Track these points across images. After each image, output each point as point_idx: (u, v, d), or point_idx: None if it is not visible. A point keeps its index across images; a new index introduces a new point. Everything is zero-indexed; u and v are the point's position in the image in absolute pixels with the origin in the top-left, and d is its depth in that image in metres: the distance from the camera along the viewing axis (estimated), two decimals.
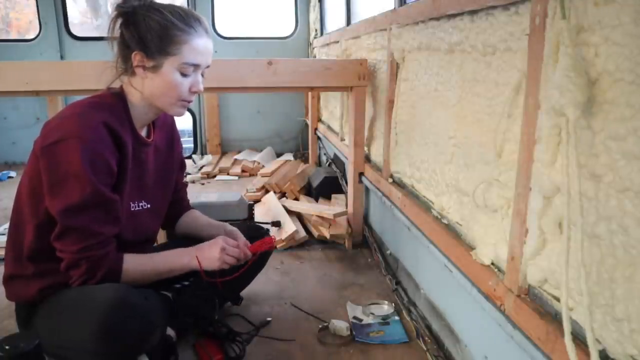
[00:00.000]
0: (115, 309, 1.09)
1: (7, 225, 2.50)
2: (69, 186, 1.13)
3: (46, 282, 1.21)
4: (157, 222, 1.46)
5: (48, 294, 1.22)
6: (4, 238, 2.27)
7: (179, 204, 1.58)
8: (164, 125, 1.46)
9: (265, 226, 2.21)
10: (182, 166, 1.58)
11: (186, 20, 1.21)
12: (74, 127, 1.13)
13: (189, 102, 1.28)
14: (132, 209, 1.32)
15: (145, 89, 1.24)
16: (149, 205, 1.36)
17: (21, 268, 1.24)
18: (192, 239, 1.47)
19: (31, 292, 1.23)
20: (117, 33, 1.23)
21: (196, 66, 1.23)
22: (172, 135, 1.50)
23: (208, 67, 1.28)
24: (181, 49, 1.19)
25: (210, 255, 1.33)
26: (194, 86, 1.25)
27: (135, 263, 1.25)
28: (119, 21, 1.22)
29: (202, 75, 1.28)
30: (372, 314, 1.70)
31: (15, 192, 1.26)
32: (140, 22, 1.19)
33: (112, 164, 1.18)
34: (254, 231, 1.63)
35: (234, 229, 1.52)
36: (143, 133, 1.35)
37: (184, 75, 1.22)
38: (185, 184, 1.64)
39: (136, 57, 1.21)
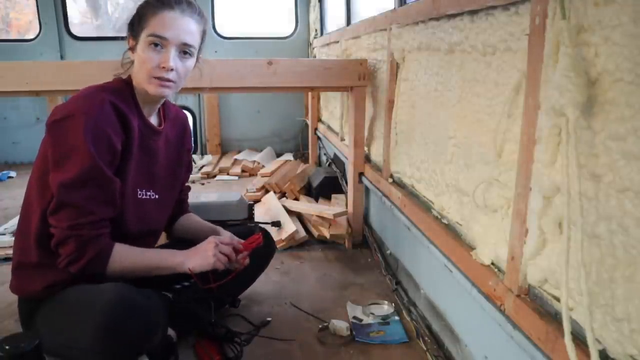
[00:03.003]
0: (117, 308, 1.09)
1: (7, 225, 2.51)
2: (71, 161, 1.14)
3: (50, 278, 1.21)
4: (163, 215, 1.46)
5: (52, 292, 1.22)
6: (5, 238, 2.29)
7: (179, 205, 1.58)
8: (176, 118, 1.48)
9: (265, 226, 2.21)
10: (189, 167, 1.58)
11: None
12: (80, 104, 1.17)
13: (163, 80, 1.23)
14: (140, 197, 1.32)
15: (133, 70, 1.27)
16: (157, 196, 1.37)
17: (26, 255, 1.25)
18: (189, 242, 1.47)
19: (35, 288, 1.23)
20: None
21: (163, 39, 1.21)
22: (184, 130, 1.51)
23: (187, 46, 1.24)
24: (150, 21, 1.21)
25: (204, 254, 1.32)
26: (163, 62, 1.21)
27: (125, 253, 1.25)
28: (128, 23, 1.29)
29: (186, 52, 1.25)
30: (372, 314, 1.70)
31: (27, 185, 1.27)
32: (135, 12, 1.26)
33: (115, 143, 1.19)
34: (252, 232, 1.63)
35: (228, 233, 1.52)
36: (153, 121, 1.36)
37: (154, 50, 1.21)
38: (189, 187, 1.64)
39: (129, 42, 1.27)
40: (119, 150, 1.21)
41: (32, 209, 1.23)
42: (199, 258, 1.32)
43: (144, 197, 1.33)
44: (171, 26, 1.21)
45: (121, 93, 1.26)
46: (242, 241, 1.46)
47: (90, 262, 1.18)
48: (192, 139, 1.59)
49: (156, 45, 1.21)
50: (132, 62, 1.28)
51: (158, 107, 1.38)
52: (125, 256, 1.25)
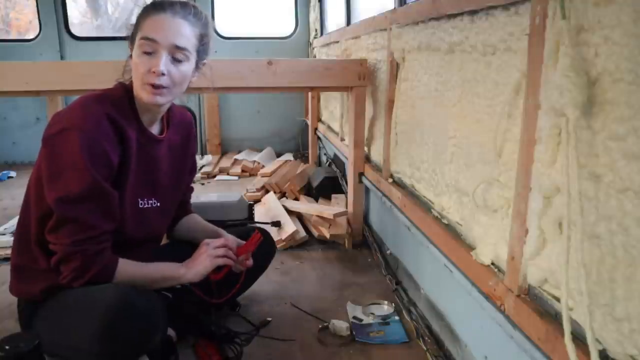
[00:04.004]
0: (117, 309, 1.09)
1: (7, 225, 2.51)
2: (67, 177, 1.13)
3: (51, 280, 1.21)
4: (165, 222, 1.46)
5: (51, 294, 1.22)
6: (4, 238, 2.29)
7: (182, 206, 1.58)
8: (180, 123, 1.45)
9: (265, 226, 2.21)
10: (193, 170, 1.57)
11: (157, 3, 1.22)
12: (75, 118, 1.15)
13: (157, 87, 1.20)
14: (141, 206, 1.31)
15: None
16: (158, 204, 1.36)
17: (30, 259, 1.24)
18: (188, 244, 1.47)
19: (34, 290, 1.23)
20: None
21: (153, 42, 1.18)
22: (189, 134, 1.49)
23: (179, 49, 1.20)
24: (142, 25, 1.20)
25: (199, 260, 1.32)
26: (153, 66, 1.18)
27: (129, 268, 1.24)
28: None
29: (178, 60, 1.21)
30: (372, 314, 1.70)
31: (25, 188, 1.27)
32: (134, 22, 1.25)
33: (112, 157, 1.18)
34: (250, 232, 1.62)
35: (230, 236, 1.52)
36: (156, 129, 1.35)
37: (145, 54, 1.19)
38: (191, 189, 1.63)
39: (130, 49, 1.25)
40: (115, 163, 1.19)
41: (31, 213, 1.22)
42: (197, 265, 1.32)
43: (146, 206, 1.32)
44: (161, 28, 1.18)
45: (119, 102, 1.23)
46: (243, 242, 1.46)
47: (95, 278, 1.17)
48: (197, 142, 1.58)
49: (148, 49, 1.18)
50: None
51: (161, 115, 1.35)
52: (127, 272, 1.23)
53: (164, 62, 1.18)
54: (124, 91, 1.27)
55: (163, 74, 1.19)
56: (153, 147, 1.32)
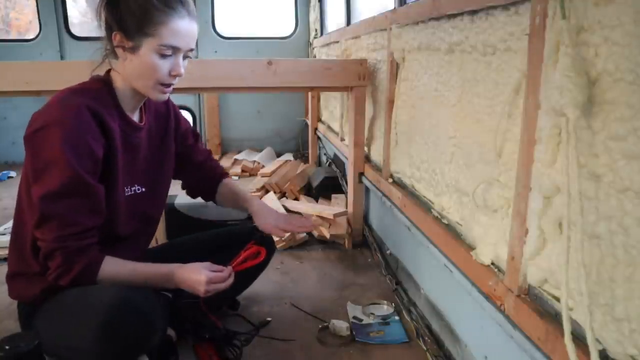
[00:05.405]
0: (117, 309, 1.09)
1: (7, 225, 2.51)
2: (50, 172, 1.11)
3: (48, 282, 1.20)
4: (155, 205, 1.44)
5: (50, 294, 1.21)
6: (5, 238, 2.29)
7: (210, 173, 1.58)
8: (159, 107, 1.43)
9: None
10: (196, 136, 1.57)
11: (166, 0, 1.17)
12: (54, 113, 1.13)
13: (169, 86, 1.22)
14: (126, 194, 1.30)
15: (125, 70, 1.21)
16: (144, 189, 1.34)
17: (24, 265, 1.23)
18: (188, 245, 1.46)
19: (34, 292, 1.23)
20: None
21: (175, 49, 1.18)
22: (168, 113, 1.46)
23: (192, 50, 1.23)
24: (159, 30, 1.15)
25: (195, 286, 1.26)
26: (174, 69, 1.19)
27: (116, 268, 1.21)
28: (103, 2, 1.20)
29: (187, 57, 1.24)
30: (372, 314, 1.70)
31: (17, 190, 1.25)
32: (121, 1, 1.17)
33: (96, 149, 1.15)
34: (256, 232, 1.61)
35: (264, 210, 1.54)
36: (136, 117, 1.32)
37: (163, 57, 1.18)
38: (209, 151, 1.62)
39: (116, 38, 1.18)
40: (100, 156, 1.17)
41: (25, 219, 1.20)
42: (190, 288, 1.27)
43: (130, 193, 1.31)
44: (182, 35, 1.18)
45: (98, 94, 1.21)
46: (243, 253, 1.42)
47: (79, 275, 1.15)
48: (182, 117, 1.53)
49: (168, 53, 1.17)
50: (109, 57, 1.24)
51: (142, 103, 1.33)
52: (116, 272, 1.21)
53: (182, 65, 1.21)
54: (102, 83, 1.25)
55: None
56: (135, 135, 1.31)
